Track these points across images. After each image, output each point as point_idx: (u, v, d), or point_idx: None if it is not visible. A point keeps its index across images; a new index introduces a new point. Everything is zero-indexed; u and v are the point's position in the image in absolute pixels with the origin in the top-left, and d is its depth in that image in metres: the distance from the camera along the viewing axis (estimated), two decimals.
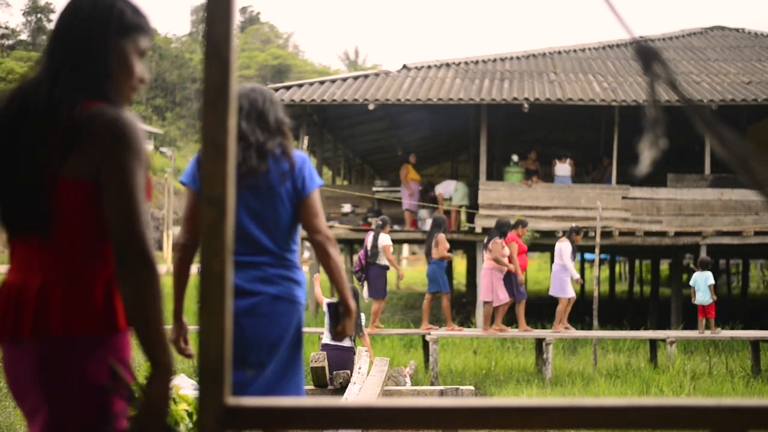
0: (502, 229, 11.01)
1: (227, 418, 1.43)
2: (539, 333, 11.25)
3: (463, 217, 16.24)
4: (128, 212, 1.86)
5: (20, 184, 1.92)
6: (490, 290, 10.86)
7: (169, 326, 2.10)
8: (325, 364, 7.39)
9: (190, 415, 3.98)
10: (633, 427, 1.45)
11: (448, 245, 11.36)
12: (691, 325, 14.74)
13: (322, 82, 16.92)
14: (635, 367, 10.95)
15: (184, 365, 9.31)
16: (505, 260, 10.82)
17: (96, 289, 1.93)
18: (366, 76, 17.37)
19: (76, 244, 1.93)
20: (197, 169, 3.10)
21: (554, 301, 11.85)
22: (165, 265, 29.76)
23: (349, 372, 7.81)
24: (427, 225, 15.91)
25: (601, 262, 26.65)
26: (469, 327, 14.20)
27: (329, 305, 3.17)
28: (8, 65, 44.49)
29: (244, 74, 60.51)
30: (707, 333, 11.50)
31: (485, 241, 11.21)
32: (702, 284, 11.36)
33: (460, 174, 22.36)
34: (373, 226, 16.07)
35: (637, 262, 27.94)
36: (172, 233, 34.81)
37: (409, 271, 34.58)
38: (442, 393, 7.09)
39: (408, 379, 8.70)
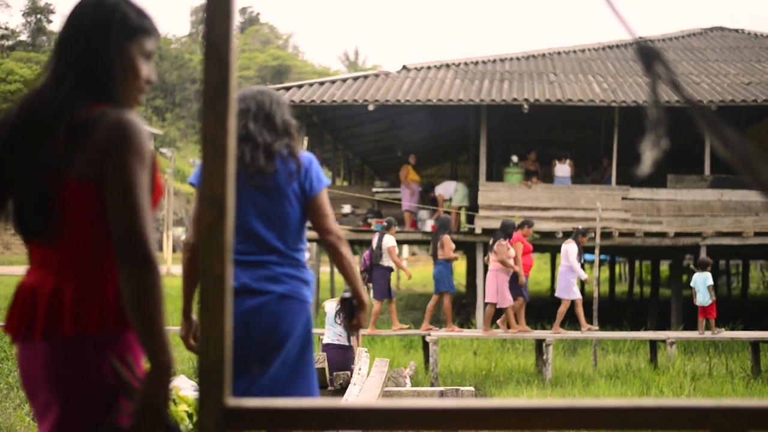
0: (506, 231, 11.00)
1: (227, 420, 1.43)
2: (539, 334, 11.25)
3: (462, 218, 16.25)
4: (130, 212, 1.87)
5: (30, 189, 1.96)
6: (496, 292, 10.83)
7: (172, 327, 2.11)
8: (325, 365, 7.40)
9: (190, 416, 3.99)
10: (633, 428, 1.45)
11: (453, 246, 11.38)
12: (691, 325, 14.75)
13: (321, 83, 16.93)
14: (635, 367, 10.96)
15: (184, 366, 9.31)
16: (511, 262, 10.80)
17: (107, 288, 1.96)
18: (366, 77, 17.38)
19: (86, 244, 1.96)
20: None
21: (553, 302, 11.86)
22: (165, 266, 29.77)
23: (349, 373, 7.81)
24: (427, 226, 15.93)
25: (601, 262, 26.66)
26: (469, 328, 14.21)
27: (343, 300, 3.21)
28: (8, 66, 44.53)
29: (243, 75, 60.52)
30: (708, 333, 11.51)
31: (490, 243, 11.20)
32: (701, 285, 11.36)
33: (460, 175, 22.37)
34: (373, 227, 16.14)
35: (637, 263, 27.95)
36: (171, 234, 34.82)
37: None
38: (442, 394, 7.09)
39: (408, 380, 8.70)
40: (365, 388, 6.49)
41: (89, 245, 1.96)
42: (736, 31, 21.58)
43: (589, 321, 11.62)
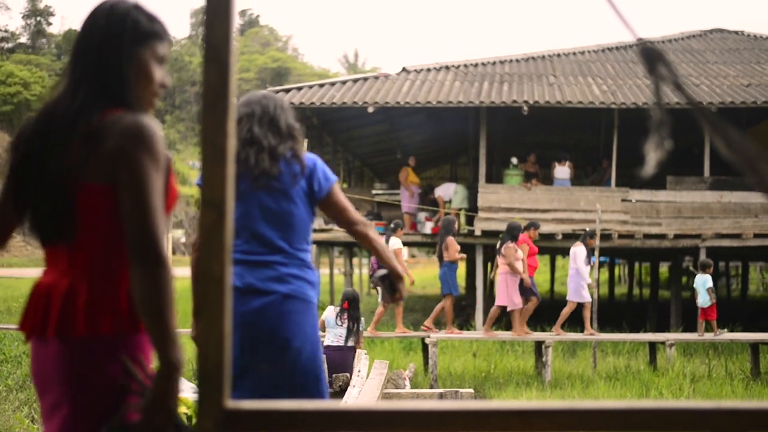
0: (513, 233, 10.99)
1: (227, 422, 1.43)
2: (539, 336, 11.24)
3: (462, 220, 16.25)
4: (142, 212, 1.90)
5: (47, 194, 2.00)
6: (506, 295, 10.82)
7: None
8: (324, 366, 7.40)
9: (189, 418, 3.99)
10: (633, 430, 1.45)
11: (458, 247, 11.39)
12: (691, 327, 14.74)
13: (321, 85, 16.93)
14: (635, 369, 10.95)
15: (184, 368, 9.29)
16: (519, 264, 10.80)
17: (120, 290, 2.00)
18: (365, 79, 17.38)
19: (100, 246, 2.00)
20: None
21: (553, 304, 11.85)
22: None
23: (348, 375, 7.81)
24: (427, 228, 15.93)
25: (601, 264, 26.68)
26: (468, 330, 14.20)
27: (382, 277, 3.29)
28: (8, 68, 44.57)
29: (243, 77, 60.55)
30: (708, 335, 11.51)
31: (498, 246, 11.20)
32: (701, 287, 11.38)
33: (460, 177, 22.36)
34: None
35: (636, 265, 27.95)
36: (171, 236, 34.80)
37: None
38: (441, 396, 7.08)
39: (407, 382, 8.70)
40: (364, 390, 6.48)
41: (103, 247, 2.00)
42: (736, 32, 21.60)
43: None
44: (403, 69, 17.92)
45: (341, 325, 8.47)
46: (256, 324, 3.07)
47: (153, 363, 2.01)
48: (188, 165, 53.41)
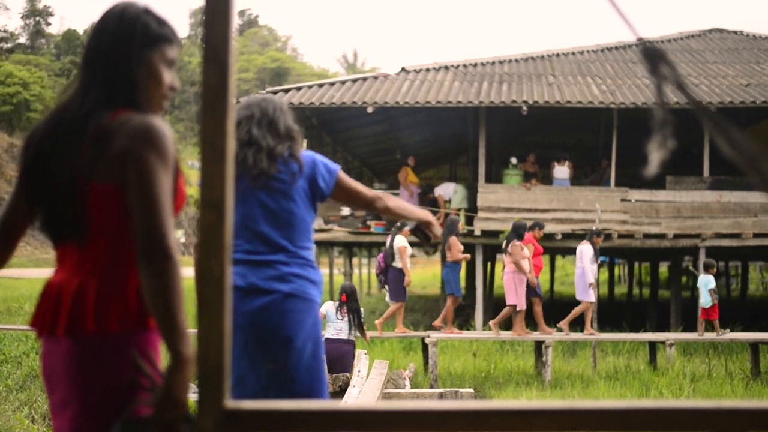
0: (518, 232, 10.99)
1: (227, 422, 1.43)
2: (538, 335, 11.24)
3: (461, 219, 16.24)
4: (150, 208, 1.93)
5: (58, 194, 2.04)
6: (515, 293, 10.81)
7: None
8: (325, 366, 7.41)
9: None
10: (633, 430, 1.45)
11: (461, 247, 11.39)
12: (691, 327, 14.75)
13: (320, 85, 16.93)
14: (635, 369, 10.95)
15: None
16: (525, 263, 10.79)
17: (129, 288, 2.03)
18: (365, 79, 17.38)
19: (110, 246, 2.04)
20: None
21: (553, 304, 11.84)
22: None
23: (348, 375, 7.81)
24: None
25: (600, 264, 26.65)
26: (468, 330, 14.20)
27: (414, 230, 3.44)
28: (7, 68, 44.55)
29: (242, 77, 60.54)
30: (709, 335, 11.51)
31: (503, 245, 11.20)
32: (703, 287, 11.39)
33: (459, 177, 22.36)
34: (372, 229, 16.15)
35: (636, 265, 27.95)
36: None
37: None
38: (441, 396, 7.09)
39: (407, 382, 8.71)
40: (365, 389, 6.49)
41: (113, 247, 2.04)
42: (735, 32, 21.60)
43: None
44: (403, 69, 17.92)
45: (342, 319, 8.58)
46: (258, 323, 3.10)
47: (163, 360, 2.03)
48: (187, 165, 53.41)
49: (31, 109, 43.61)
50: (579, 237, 15.31)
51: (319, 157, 3.29)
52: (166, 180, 1.97)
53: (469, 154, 18.79)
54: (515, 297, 10.77)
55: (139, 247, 1.92)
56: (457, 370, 11.01)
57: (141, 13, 2.10)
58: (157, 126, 2.00)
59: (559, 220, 15.42)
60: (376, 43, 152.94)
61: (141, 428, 1.94)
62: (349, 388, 6.75)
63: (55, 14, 61.39)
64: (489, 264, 19.98)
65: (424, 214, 3.40)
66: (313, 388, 3.19)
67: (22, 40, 60.50)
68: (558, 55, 19.42)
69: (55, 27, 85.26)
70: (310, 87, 16.83)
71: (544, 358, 10.56)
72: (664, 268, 29.76)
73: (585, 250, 11.45)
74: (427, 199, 16.91)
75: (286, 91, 16.63)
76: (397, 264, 11.21)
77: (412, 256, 12.61)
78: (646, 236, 15.55)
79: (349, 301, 8.70)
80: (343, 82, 17.15)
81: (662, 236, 15.54)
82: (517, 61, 18.90)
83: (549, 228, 15.28)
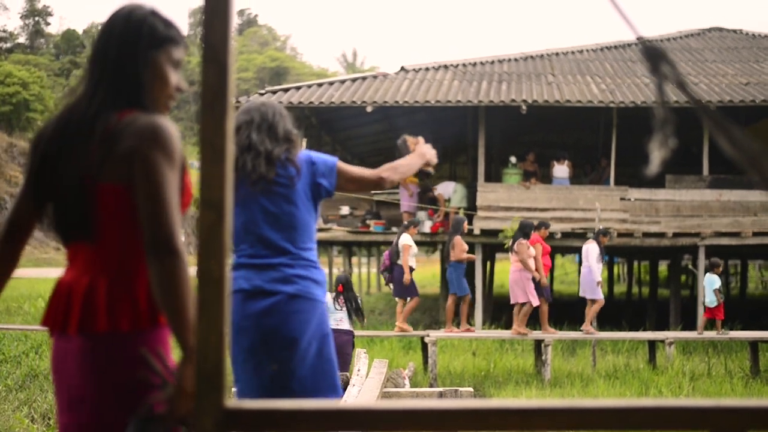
0: (525, 231, 11.01)
1: (226, 421, 1.43)
2: (538, 334, 11.24)
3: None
4: (156, 206, 1.95)
5: (67, 194, 2.07)
6: (522, 292, 10.80)
7: None
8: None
9: None
10: (632, 428, 1.45)
11: (466, 247, 11.41)
12: (690, 325, 14.76)
13: (320, 85, 16.92)
14: (634, 368, 10.95)
15: None
16: (531, 261, 10.80)
17: (138, 286, 2.06)
18: (364, 79, 17.37)
19: (119, 245, 2.07)
20: None
21: (554, 303, 11.84)
22: None
23: (348, 374, 7.82)
24: (426, 227, 15.92)
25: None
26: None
27: (418, 173, 3.62)
28: (6, 68, 44.48)
29: (242, 77, 60.52)
30: (708, 334, 11.52)
31: (510, 244, 11.20)
32: (708, 287, 11.41)
33: (458, 176, 22.35)
34: (371, 228, 16.16)
35: (635, 263, 27.96)
36: None
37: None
38: (441, 395, 7.09)
39: (407, 381, 8.70)
40: (364, 389, 6.49)
41: (122, 245, 2.07)
42: (734, 31, 21.59)
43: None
44: (402, 68, 17.92)
45: (340, 309, 8.67)
46: (263, 324, 3.14)
47: (174, 357, 2.06)
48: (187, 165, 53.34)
49: (31, 109, 43.55)
50: (578, 236, 15.33)
51: (315, 155, 3.31)
52: (172, 179, 1.99)
53: (469, 153, 18.78)
54: (524, 295, 10.77)
55: (147, 246, 1.95)
56: (457, 369, 11.01)
57: (148, 15, 2.13)
58: (164, 126, 2.03)
59: (558, 219, 15.42)
60: (376, 43, 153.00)
61: (157, 425, 1.96)
62: (348, 387, 6.74)
63: (54, 14, 61.44)
64: (488, 263, 19.97)
65: (417, 158, 3.48)
66: (318, 387, 3.21)
67: (22, 40, 60.48)
68: (557, 54, 19.42)
69: (55, 27, 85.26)
70: (309, 86, 16.82)
71: (543, 357, 10.57)
72: (663, 267, 29.74)
73: (591, 249, 11.48)
74: (426, 198, 16.91)
75: (286, 90, 16.62)
76: (402, 262, 11.24)
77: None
78: (646, 235, 15.55)
79: (345, 290, 8.81)
80: (343, 82, 17.14)
81: (662, 235, 15.54)
82: (516, 60, 18.89)
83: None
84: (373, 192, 17.52)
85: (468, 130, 17.88)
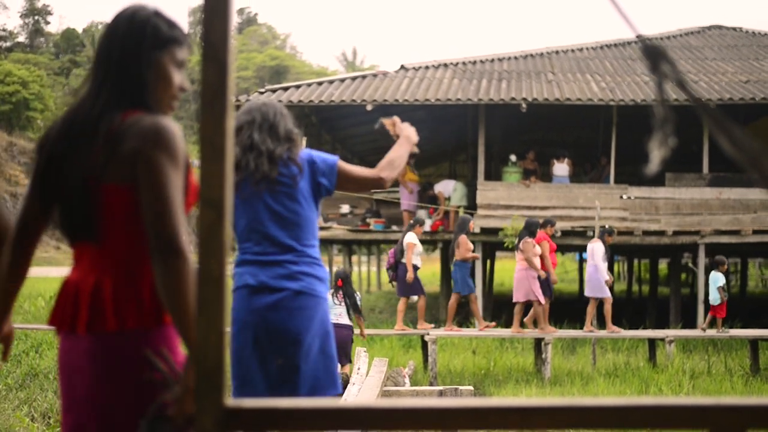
0: (531, 229, 11.01)
1: (226, 420, 1.43)
2: (538, 333, 11.24)
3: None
4: (160, 205, 1.97)
5: (73, 195, 2.09)
6: (526, 290, 10.80)
7: None
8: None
9: None
10: (632, 427, 1.45)
11: (471, 246, 11.42)
12: (690, 324, 14.76)
13: (320, 83, 16.91)
14: (634, 366, 10.96)
15: None
16: (537, 260, 10.81)
17: (143, 285, 2.07)
18: (364, 77, 17.36)
19: (124, 244, 2.09)
20: None
21: (555, 302, 11.85)
22: None
23: (347, 373, 7.82)
24: (426, 226, 15.91)
25: None
26: (468, 327, 14.19)
27: (377, 128, 3.73)
28: (6, 67, 44.47)
29: (241, 75, 60.50)
30: (710, 331, 11.52)
31: (516, 242, 11.21)
32: (712, 284, 11.42)
33: (458, 174, 22.34)
34: (371, 227, 16.16)
35: (635, 262, 27.95)
36: None
37: None
38: (441, 393, 7.09)
39: (407, 380, 8.71)
40: (364, 387, 6.49)
41: (126, 245, 2.09)
42: (734, 29, 21.58)
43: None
44: (402, 67, 17.91)
45: (339, 304, 8.75)
46: (268, 319, 3.19)
47: (180, 355, 2.08)
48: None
49: (30, 107, 43.55)
50: (578, 234, 15.34)
51: (316, 154, 3.34)
52: (176, 179, 2.01)
53: (469, 152, 18.77)
54: (531, 293, 10.76)
55: (151, 246, 1.97)
56: (457, 367, 11.02)
57: (151, 16, 2.15)
58: (167, 126, 2.04)
59: (558, 217, 15.41)
60: (376, 41, 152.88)
61: (166, 425, 1.97)
62: (348, 385, 6.75)
63: (54, 13, 61.42)
64: (489, 261, 19.98)
65: (406, 144, 3.48)
66: (319, 384, 3.26)
67: (21, 38, 60.42)
68: (557, 52, 19.41)
69: (54, 26, 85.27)
70: (309, 85, 16.82)
71: (543, 356, 10.57)
72: (663, 265, 29.74)
73: (597, 248, 11.48)
74: (426, 196, 16.91)
75: (286, 89, 16.62)
76: (406, 260, 11.25)
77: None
78: (646, 233, 15.55)
79: (344, 285, 8.88)
80: (343, 80, 17.14)
81: (661, 233, 15.54)
82: (516, 58, 18.88)
83: None
84: (372, 190, 17.52)
85: (468, 129, 17.87)
